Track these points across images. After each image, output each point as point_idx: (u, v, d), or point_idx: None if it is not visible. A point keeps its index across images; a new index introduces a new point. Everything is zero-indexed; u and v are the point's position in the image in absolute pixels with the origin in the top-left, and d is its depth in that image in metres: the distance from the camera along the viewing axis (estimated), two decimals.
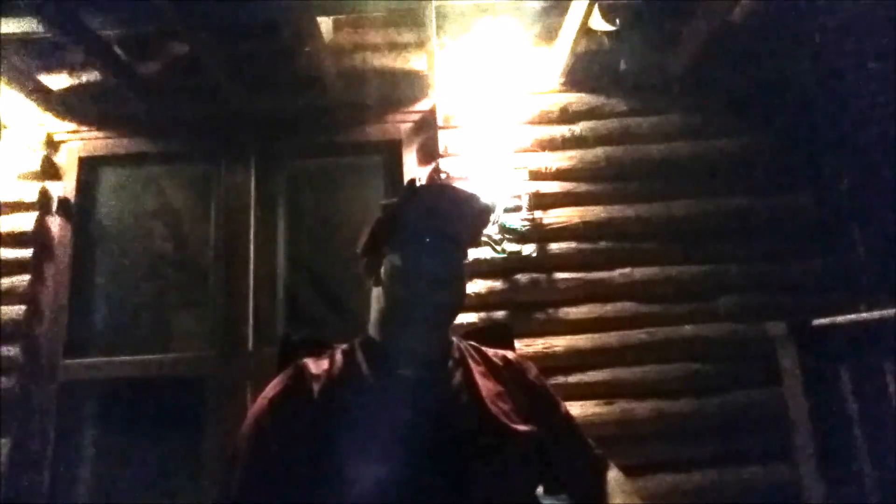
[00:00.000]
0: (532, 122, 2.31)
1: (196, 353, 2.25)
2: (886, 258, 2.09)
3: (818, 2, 2.13)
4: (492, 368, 1.03)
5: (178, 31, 2.18)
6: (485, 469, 0.88)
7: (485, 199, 1.17)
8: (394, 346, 0.99)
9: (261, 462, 0.87)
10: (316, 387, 0.92)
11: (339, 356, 0.99)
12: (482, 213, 1.10)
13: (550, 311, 2.14)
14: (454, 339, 1.07)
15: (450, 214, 1.02)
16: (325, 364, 0.97)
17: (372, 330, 1.03)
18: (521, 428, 0.94)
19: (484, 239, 2.16)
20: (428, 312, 0.96)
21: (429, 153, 2.32)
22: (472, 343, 1.10)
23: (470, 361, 1.02)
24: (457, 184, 2.19)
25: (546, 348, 2.08)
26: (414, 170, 2.33)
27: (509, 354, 1.10)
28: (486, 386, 0.98)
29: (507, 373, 1.04)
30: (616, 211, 2.23)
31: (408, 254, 0.98)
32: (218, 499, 0.91)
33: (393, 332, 1.00)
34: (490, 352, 1.08)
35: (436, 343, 1.00)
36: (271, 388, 0.95)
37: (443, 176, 2.25)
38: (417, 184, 2.24)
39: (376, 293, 1.03)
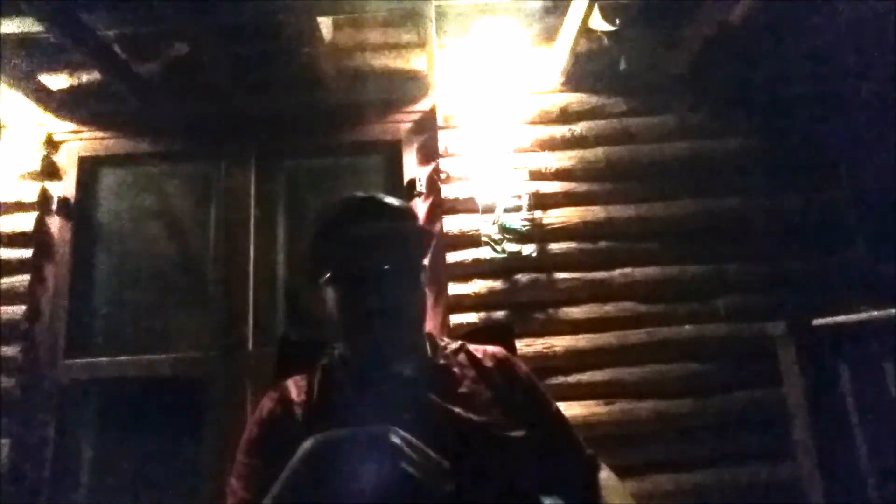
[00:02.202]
0: (532, 122, 2.31)
1: (196, 353, 2.24)
2: (886, 258, 2.09)
3: (818, 2, 2.13)
4: (482, 372, 1.01)
5: (178, 31, 2.18)
6: (475, 476, 0.87)
7: (418, 221, 1.06)
8: (361, 367, 0.96)
9: (254, 490, 0.85)
10: (299, 410, 0.92)
11: (318, 374, 0.98)
12: (415, 235, 1.01)
13: (550, 311, 2.13)
14: (440, 342, 1.05)
15: (379, 242, 0.93)
16: (307, 383, 0.97)
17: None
18: (515, 434, 0.92)
19: (484, 239, 2.16)
20: (376, 346, 0.92)
21: (429, 153, 2.32)
22: (462, 343, 1.07)
23: (456, 367, 1.00)
24: (456, 185, 2.23)
25: (546, 348, 2.08)
26: (414, 170, 2.33)
27: (499, 352, 1.07)
28: (475, 393, 0.96)
29: (498, 373, 1.01)
30: (616, 211, 2.23)
31: (340, 291, 0.94)
32: None
33: (354, 357, 0.97)
34: (479, 352, 1.05)
35: (398, 364, 0.94)
36: (258, 413, 0.95)
37: (443, 176, 2.25)
38: (417, 185, 2.27)
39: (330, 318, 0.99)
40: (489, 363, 1.03)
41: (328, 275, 0.96)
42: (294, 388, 0.97)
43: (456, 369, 1.00)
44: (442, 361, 1.01)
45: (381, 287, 0.91)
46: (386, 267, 0.92)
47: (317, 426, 0.86)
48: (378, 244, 0.93)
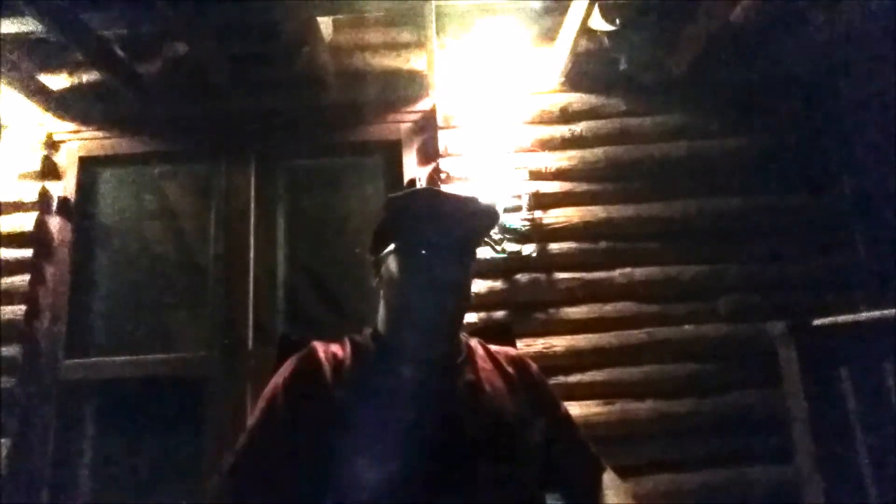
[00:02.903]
0: (532, 122, 2.31)
1: (196, 353, 2.24)
2: (886, 258, 2.09)
3: (818, 2, 2.13)
4: (498, 366, 1.04)
5: (178, 32, 2.18)
6: (493, 468, 0.89)
7: (485, 199, 1.14)
8: (399, 345, 0.99)
9: (270, 439, 0.89)
10: (328, 372, 0.93)
11: (349, 346, 1.00)
12: (485, 214, 1.06)
13: (550, 311, 2.13)
14: (463, 335, 1.08)
15: (450, 219, 0.98)
16: (336, 350, 0.99)
17: (380, 325, 1.04)
18: (529, 426, 0.95)
19: (484, 239, 2.16)
20: (426, 320, 0.96)
21: (429, 153, 2.32)
22: (479, 340, 1.10)
23: (478, 360, 1.03)
24: (456, 185, 2.23)
25: (546, 348, 2.08)
26: (414, 170, 2.33)
27: (511, 351, 1.11)
28: (493, 384, 0.99)
29: (512, 370, 1.04)
30: (616, 211, 2.23)
31: (405, 261, 0.97)
32: (222, 469, 0.92)
33: (397, 333, 1.00)
34: (494, 349, 1.09)
35: (439, 345, 0.99)
36: (284, 370, 0.96)
37: (443, 176, 2.25)
38: (417, 184, 2.27)
39: (383, 290, 1.03)
40: (503, 359, 1.06)
41: (394, 245, 0.98)
42: (323, 350, 0.98)
43: (479, 360, 1.03)
44: (465, 351, 1.03)
45: (447, 260, 0.96)
46: (453, 240, 0.97)
47: (342, 394, 0.89)
48: (449, 218, 0.97)
